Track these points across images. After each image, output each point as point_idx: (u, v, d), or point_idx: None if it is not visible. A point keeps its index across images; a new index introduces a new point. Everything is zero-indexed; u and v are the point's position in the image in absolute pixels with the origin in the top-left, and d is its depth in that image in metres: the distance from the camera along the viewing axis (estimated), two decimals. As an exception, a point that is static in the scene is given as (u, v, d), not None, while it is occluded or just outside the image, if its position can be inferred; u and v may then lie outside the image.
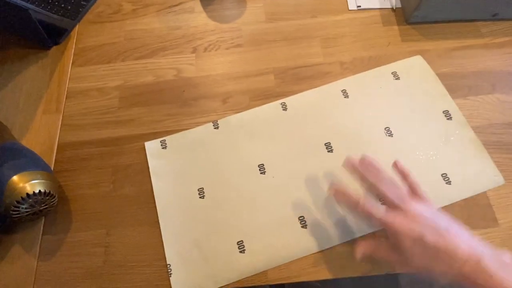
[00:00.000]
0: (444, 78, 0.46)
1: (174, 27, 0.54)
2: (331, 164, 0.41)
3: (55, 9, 0.56)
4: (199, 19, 0.54)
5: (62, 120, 0.48)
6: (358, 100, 0.45)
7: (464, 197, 0.39)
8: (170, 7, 0.55)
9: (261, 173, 0.41)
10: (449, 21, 0.50)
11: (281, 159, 0.42)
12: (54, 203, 0.40)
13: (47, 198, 0.38)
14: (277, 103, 0.46)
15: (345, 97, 0.46)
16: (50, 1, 0.56)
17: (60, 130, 0.47)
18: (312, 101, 0.46)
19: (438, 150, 0.41)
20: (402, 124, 0.43)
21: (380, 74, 0.47)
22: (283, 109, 0.45)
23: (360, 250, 0.32)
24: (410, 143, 0.42)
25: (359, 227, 0.38)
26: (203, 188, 0.41)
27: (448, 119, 0.43)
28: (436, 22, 0.50)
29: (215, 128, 0.45)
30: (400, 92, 0.45)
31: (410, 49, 0.49)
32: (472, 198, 0.39)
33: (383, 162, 0.40)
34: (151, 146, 0.45)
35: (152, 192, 0.42)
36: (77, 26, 0.55)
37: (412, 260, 0.28)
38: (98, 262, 0.39)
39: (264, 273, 0.37)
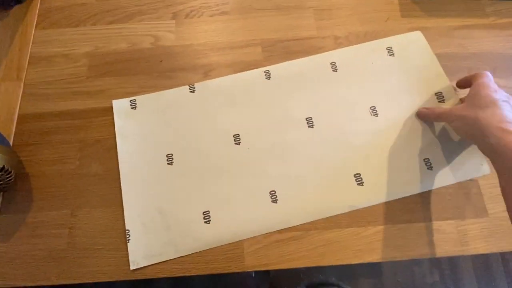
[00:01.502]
0: (444, 58, 0.43)
1: (152, -11, 0.48)
2: (310, 140, 0.39)
3: (16, -38, 0.49)
4: (181, -19, 0.48)
5: (23, 88, 0.43)
6: (347, 75, 0.42)
7: (444, 184, 0.37)
8: (148, -34, 0.49)
9: (235, 143, 0.39)
10: (452, -3, 0.46)
11: (258, 131, 0.40)
12: (10, 180, 0.36)
13: (1, 173, 0.34)
14: (260, 71, 0.43)
15: (333, 70, 0.43)
16: (10, -49, 0.49)
17: (21, 99, 0.42)
18: (298, 71, 0.43)
19: (424, 134, 0.39)
20: (389, 104, 0.41)
21: (374, 49, 0.44)
22: (266, 78, 0.42)
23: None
24: (395, 124, 0.40)
25: (331, 208, 0.37)
26: (172, 154, 0.39)
27: (440, 101, 0.41)
28: (439, -3, 0.47)
29: (191, 91, 0.42)
30: (393, 69, 0.43)
31: (410, 25, 0.45)
32: (463, 187, 0.38)
33: (365, 142, 0.39)
34: (119, 105, 0.41)
35: (123, 171, 0.38)
36: (42, -18, 0.49)
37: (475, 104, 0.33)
38: (62, 245, 0.36)
39: (241, 259, 0.35)
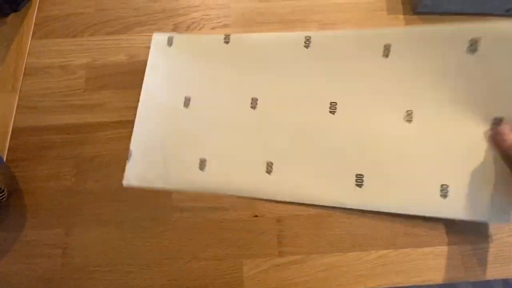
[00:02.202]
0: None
1: (153, -1, 0.47)
2: (326, 126, 0.37)
3: (13, -32, 0.48)
4: (182, -9, 0.47)
5: (18, 100, 0.42)
6: (398, 65, 0.36)
7: (453, 218, 0.34)
8: (149, -25, 0.48)
9: (251, 106, 0.39)
10: (459, 14, 0.45)
11: (277, 101, 0.39)
12: (3, 198, 0.35)
13: (-7, 193, 0.33)
14: (301, 36, 0.40)
15: (384, 55, 0.36)
16: (7, -43, 0.47)
17: (16, 112, 0.41)
18: (340, 47, 0.38)
19: (453, 158, 0.34)
20: (432, 113, 0.35)
21: (450, 38, 0.34)
22: (305, 46, 0.39)
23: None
24: (426, 139, 0.35)
25: (322, 197, 0.36)
26: (190, 98, 0.40)
27: (494, 124, 0.33)
28: (444, 13, 0.46)
29: (225, 42, 0.41)
30: (462, 72, 0.34)
31: (415, 42, 0.44)
32: (467, 211, 0.37)
33: (384, 146, 0.35)
34: (159, 38, 0.43)
35: (120, 189, 0.37)
36: (39, -10, 0.47)
37: None
38: (55, 265, 0.35)
39: (239, 283, 0.34)
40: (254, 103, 0.39)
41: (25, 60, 0.44)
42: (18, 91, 0.42)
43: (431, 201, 0.35)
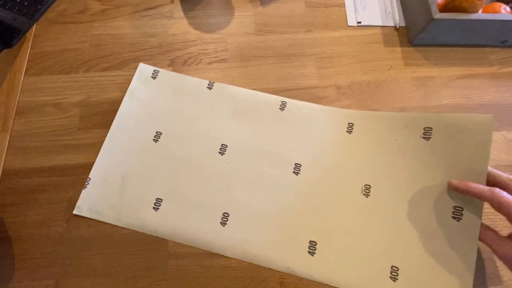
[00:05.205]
0: (448, 110, 0.42)
1: (149, 34, 0.46)
2: (287, 185, 0.37)
3: (8, 5, 0.47)
4: (179, 26, 0.47)
5: (9, 141, 0.40)
6: (359, 142, 0.38)
7: None
8: (145, 9, 0.48)
9: (220, 152, 0.39)
10: (456, 45, 0.46)
11: (246, 151, 0.39)
12: (-11, 250, 0.33)
13: (-21, 246, 0.31)
14: (278, 99, 0.42)
15: (348, 131, 0.39)
16: (1, -6, 0.47)
17: (6, 153, 0.40)
18: (312, 117, 0.41)
19: (405, 241, 0.33)
20: (389, 194, 0.35)
21: (408, 123, 0.36)
22: (280, 109, 0.41)
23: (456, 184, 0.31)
24: (382, 217, 0.35)
25: (271, 260, 0.34)
26: (161, 133, 0.40)
27: (453, 217, 0.32)
28: (442, 45, 0.46)
29: (208, 87, 0.42)
30: (417, 157, 0.35)
31: (413, 75, 0.44)
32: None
33: (340, 216, 0.35)
34: (144, 70, 0.43)
35: (114, 235, 0.36)
36: (34, 26, 0.47)
37: None
38: (44, 321, 0.33)
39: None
40: (223, 149, 0.39)
41: (17, 98, 0.43)
42: (9, 131, 0.41)
43: (380, 282, 0.33)
